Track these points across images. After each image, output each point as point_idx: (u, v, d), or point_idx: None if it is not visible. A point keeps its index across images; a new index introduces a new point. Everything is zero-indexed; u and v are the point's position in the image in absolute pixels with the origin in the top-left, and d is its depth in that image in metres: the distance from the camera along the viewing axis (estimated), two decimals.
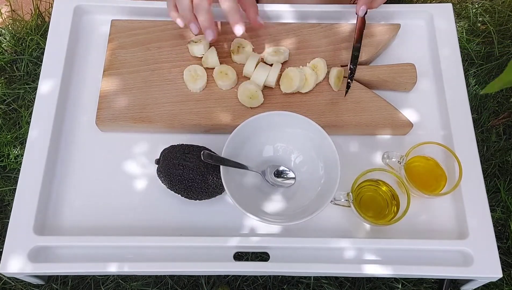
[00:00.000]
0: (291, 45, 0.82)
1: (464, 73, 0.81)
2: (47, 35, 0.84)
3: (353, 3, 0.86)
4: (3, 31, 1.18)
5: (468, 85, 1.11)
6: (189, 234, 0.71)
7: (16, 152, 1.02)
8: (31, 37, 1.15)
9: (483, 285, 0.88)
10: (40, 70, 0.80)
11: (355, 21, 0.84)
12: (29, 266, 0.68)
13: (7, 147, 1.03)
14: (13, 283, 0.90)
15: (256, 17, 0.76)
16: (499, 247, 0.71)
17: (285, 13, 0.85)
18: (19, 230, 0.70)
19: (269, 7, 0.85)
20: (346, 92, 0.77)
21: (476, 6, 1.25)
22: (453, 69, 0.81)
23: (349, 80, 0.77)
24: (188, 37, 0.82)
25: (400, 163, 0.72)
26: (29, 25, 1.18)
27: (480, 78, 1.13)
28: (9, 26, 1.20)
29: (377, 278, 0.90)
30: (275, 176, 0.73)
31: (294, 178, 0.73)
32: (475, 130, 0.78)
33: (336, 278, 0.90)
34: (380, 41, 0.82)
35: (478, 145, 0.77)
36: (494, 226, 0.72)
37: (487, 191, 0.97)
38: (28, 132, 0.76)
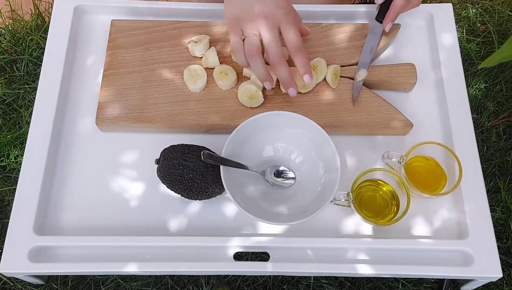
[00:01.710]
0: None
1: (464, 73, 0.81)
2: (47, 35, 0.84)
3: (353, 3, 0.86)
4: (3, 31, 1.18)
5: (468, 85, 1.11)
6: (189, 234, 0.71)
7: (16, 152, 1.03)
8: (31, 37, 1.15)
9: (483, 285, 0.88)
10: (40, 70, 0.80)
11: (355, 22, 0.84)
12: (29, 266, 0.68)
13: (7, 147, 1.03)
14: (13, 283, 0.90)
15: (304, 76, 0.71)
16: (499, 247, 0.71)
17: None
18: (19, 230, 0.70)
19: None
20: (356, 98, 0.77)
21: (476, 6, 1.25)
22: (453, 69, 0.81)
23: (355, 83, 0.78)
24: (188, 37, 0.82)
25: (400, 163, 0.72)
26: (29, 25, 1.18)
27: (480, 78, 1.13)
28: (9, 26, 1.20)
29: (377, 278, 0.90)
30: (275, 176, 0.73)
31: (294, 178, 0.73)
32: (475, 130, 0.78)
33: (336, 278, 0.90)
34: (380, 41, 0.82)
35: (478, 145, 0.77)
36: (494, 226, 0.72)
37: (487, 191, 0.97)
38: (28, 132, 0.76)
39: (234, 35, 0.70)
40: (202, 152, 0.67)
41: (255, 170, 0.71)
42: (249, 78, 0.78)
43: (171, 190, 0.71)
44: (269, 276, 0.90)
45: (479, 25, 1.22)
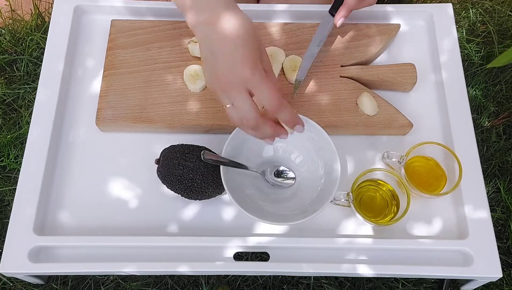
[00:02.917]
0: (291, 45, 0.82)
1: (464, 73, 0.81)
2: (47, 35, 0.84)
3: None
4: (3, 31, 1.18)
5: (468, 85, 1.11)
6: (189, 234, 0.71)
7: (16, 152, 1.02)
8: (31, 37, 1.15)
9: (483, 285, 0.88)
10: (40, 70, 0.80)
11: (355, 22, 0.84)
12: (29, 266, 0.68)
13: (7, 147, 1.03)
14: (13, 283, 0.90)
15: (295, 128, 0.65)
16: (499, 247, 0.71)
17: (285, 13, 0.85)
18: (19, 230, 0.70)
19: (269, 7, 0.85)
20: (295, 92, 0.76)
21: (476, 6, 1.25)
22: (453, 69, 0.81)
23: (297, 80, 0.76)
24: (188, 37, 0.82)
25: (400, 163, 0.72)
26: (29, 25, 1.18)
27: (480, 78, 1.13)
28: (9, 26, 1.20)
29: (377, 278, 0.90)
30: (275, 176, 0.73)
31: (294, 178, 0.73)
32: (475, 130, 0.78)
33: (336, 278, 0.90)
34: (380, 41, 0.82)
35: (478, 145, 0.77)
36: (494, 226, 0.72)
37: (487, 191, 0.97)
38: (28, 132, 0.76)
39: (217, 101, 0.63)
40: (202, 152, 0.67)
41: (255, 170, 0.71)
42: None
43: (171, 190, 0.71)
44: (269, 276, 0.90)
45: (479, 25, 1.22)
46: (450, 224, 0.73)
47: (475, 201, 0.72)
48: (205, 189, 0.69)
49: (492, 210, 0.96)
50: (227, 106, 0.61)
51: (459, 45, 0.84)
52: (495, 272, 0.69)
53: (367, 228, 0.73)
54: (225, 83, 0.59)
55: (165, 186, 0.71)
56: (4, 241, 0.70)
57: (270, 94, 0.59)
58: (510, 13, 1.22)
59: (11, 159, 1.02)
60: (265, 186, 0.73)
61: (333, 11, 0.78)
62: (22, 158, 0.75)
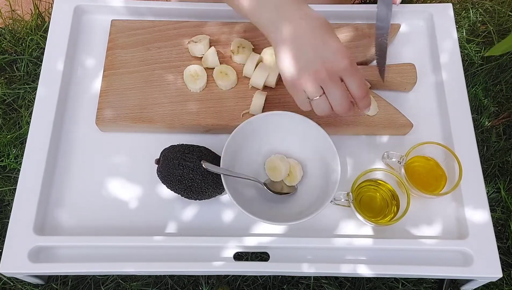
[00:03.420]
0: None
1: (464, 73, 0.81)
2: (47, 35, 0.84)
3: (353, 3, 0.86)
4: (3, 31, 1.18)
5: (468, 85, 1.11)
6: (189, 234, 0.71)
7: (16, 152, 1.02)
8: (31, 37, 1.15)
9: (483, 285, 0.88)
10: (40, 70, 0.80)
11: (355, 22, 0.84)
12: (29, 266, 0.68)
13: (7, 147, 1.03)
14: (13, 283, 0.90)
15: (365, 110, 0.66)
16: (499, 247, 0.71)
17: None
18: (19, 230, 0.70)
19: None
20: (383, 78, 0.78)
21: (476, 6, 1.25)
22: (453, 69, 0.81)
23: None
24: (188, 37, 0.82)
25: (400, 163, 0.72)
26: (29, 25, 1.18)
27: (480, 78, 1.13)
28: (9, 26, 1.20)
29: (377, 278, 0.90)
30: None
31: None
32: (475, 130, 0.78)
33: (336, 278, 0.90)
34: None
35: (478, 145, 0.77)
36: (494, 226, 0.72)
37: (487, 191, 0.97)
38: (28, 132, 0.76)
39: (298, 96, 0.63)
40: (202, 162, 0.66)
41: (256, 180, 0.71)
42: (249, 78, 0.78)
43: (171, 190, 0.71)
44: (269, 276, 0.90)
45: (479, 25, 1.22)
46: (450, 224, 0.73)
47: (475, 201, 0.72)
48: (205, 189, 0.69)
49: (492, 210, 0.96)
50: (316, 97, 0.61)
51: (459, 45, 0.84)
52: (495, 272, 0.69)
53: (367, 228, 0.73)
54: (321, 73, 0.59)
55: (165, 186, 0.71)
56: (4, 241, 0.70)
57: (361, 85, 0.62)
58: (510, 13, 1.22)
59: (11, 159, 1.02)
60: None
61: None
62: (22, 158, 0.75)
